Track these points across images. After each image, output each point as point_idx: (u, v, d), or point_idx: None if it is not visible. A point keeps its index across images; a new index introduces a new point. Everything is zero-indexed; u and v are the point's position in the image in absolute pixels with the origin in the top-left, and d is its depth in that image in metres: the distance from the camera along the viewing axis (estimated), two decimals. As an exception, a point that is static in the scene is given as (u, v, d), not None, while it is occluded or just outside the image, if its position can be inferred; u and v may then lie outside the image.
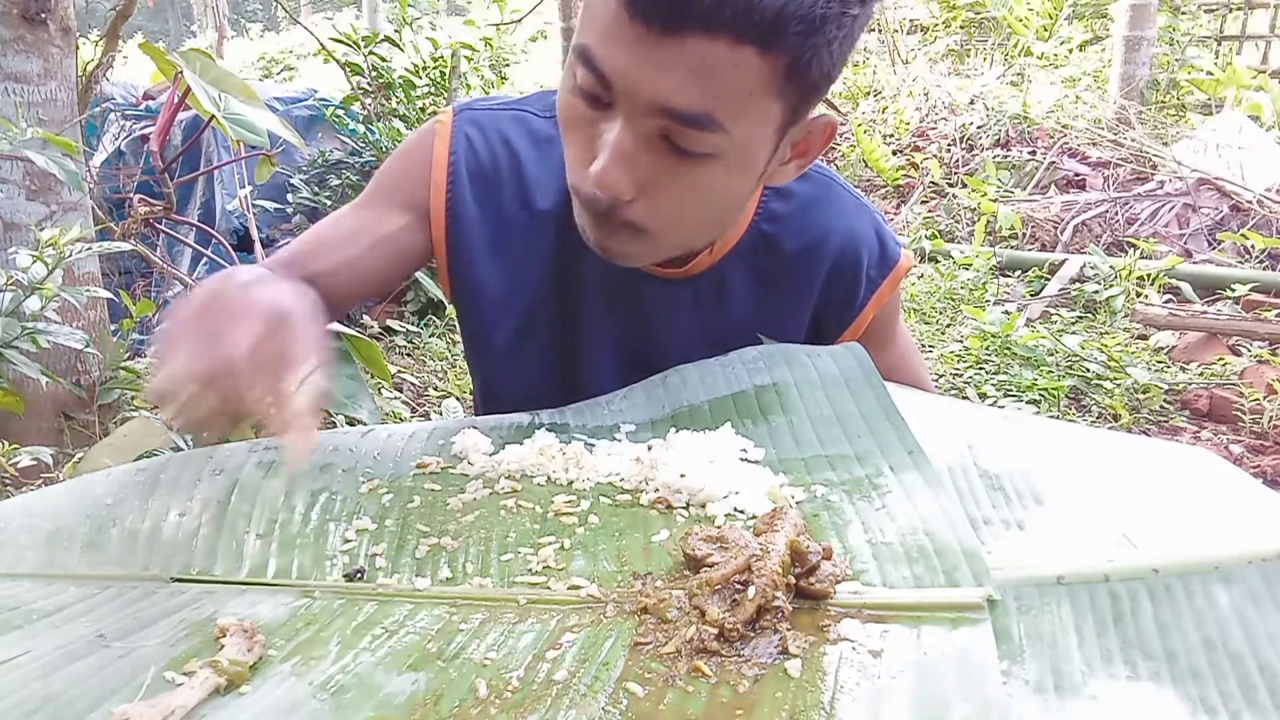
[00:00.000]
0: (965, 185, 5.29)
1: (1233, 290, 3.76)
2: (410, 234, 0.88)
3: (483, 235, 0.89)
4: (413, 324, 3.61)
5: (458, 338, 3.52)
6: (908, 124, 6.39)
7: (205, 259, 3.45)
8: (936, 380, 3.11)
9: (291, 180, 3.69)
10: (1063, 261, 4.21)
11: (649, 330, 0.92)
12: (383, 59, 3.81)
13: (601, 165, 0.67)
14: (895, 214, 5.38)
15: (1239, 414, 2.75)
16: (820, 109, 0.73)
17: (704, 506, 0.65)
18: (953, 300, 3.98)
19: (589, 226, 0.76)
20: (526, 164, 0.88)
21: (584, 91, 0.68)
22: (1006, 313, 3.41)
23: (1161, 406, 2.89)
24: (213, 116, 1.83)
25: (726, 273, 0.90)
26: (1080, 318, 3.75)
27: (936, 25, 8.08)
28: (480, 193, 0.88)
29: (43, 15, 1.97)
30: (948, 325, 3.76)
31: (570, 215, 0.83)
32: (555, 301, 0.91)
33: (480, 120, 0.90)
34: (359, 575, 0.59)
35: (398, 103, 3.84)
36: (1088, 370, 3.00)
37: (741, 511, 0.64)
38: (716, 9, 0.59)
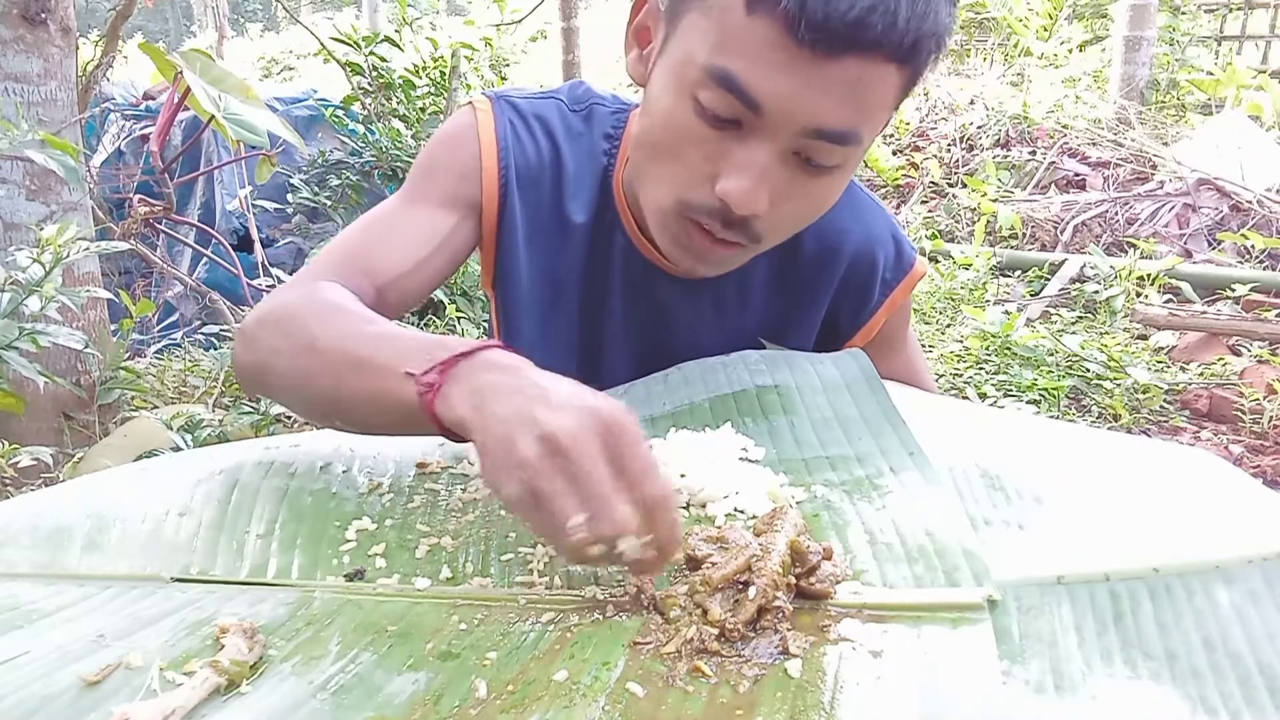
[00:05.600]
0: (965, 185, 5.29)
1: (1233, 290, 3.75)
2: (463, 231, 0.87)
3: (523, 226, 0.89)
4: (413, 324, 3.60)
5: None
6: (908, 124, 6.38)
7: (205, 259, 3.46)
8: (936, 380, 3.11)
9: (291, 180, 3.69)
10: (1063, 261, 4.21)
11: (669, 332, 0.92)
12: (383, 59, 3.80)
13: (742, 185, 0.69)
14: (895, 214, 5.37)
15: (1239, 414, 2.75)
16: None
17: (704, 506, 0.65)
18: (953, 300, 3.98)
19: (688, 238, 0.75)
20: (565, 158, 0.89)
21: (713, 114, 0.68)
22: (1006, 313, 3.41)
23: (1161, 406, 2.89)
24: (212, 116, 1.83)
25: (748, 273, 0.90)
26: (1080, 318, 3.75)
27: (936, 25, 8.07)
28: (525, 184, 0.88)
29: (43, 15, 1.97)
30: (948, 325, 3.75)
31: (600, 222, 0.82)
32: (578, 302, 0.92)
33: (520, 108, 0.89)
34: (359, 575, 0.59)
35: (398, 103, 3.84)
36: (1088, 370, 2.99)
37: (742, 511, 0.64)
38: (885, 32, 0.62)
